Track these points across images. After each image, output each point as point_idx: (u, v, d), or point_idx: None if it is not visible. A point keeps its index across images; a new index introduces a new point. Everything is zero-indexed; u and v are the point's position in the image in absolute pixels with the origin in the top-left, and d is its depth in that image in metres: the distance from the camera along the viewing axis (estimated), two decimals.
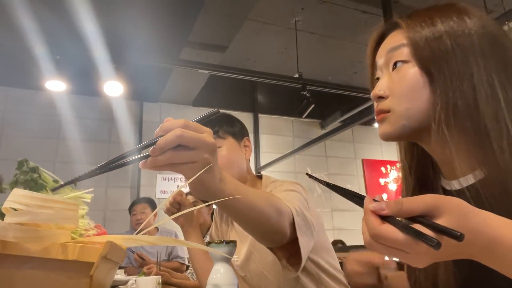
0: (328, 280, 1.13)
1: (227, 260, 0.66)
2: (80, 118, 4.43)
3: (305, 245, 0.81)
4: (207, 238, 2.02)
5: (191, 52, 3.78)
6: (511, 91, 0.59)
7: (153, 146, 0.54)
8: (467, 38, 0.61)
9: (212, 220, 1.56)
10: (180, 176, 4.71)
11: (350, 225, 5.25)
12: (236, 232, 1.28)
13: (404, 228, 0.42)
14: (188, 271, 2.50)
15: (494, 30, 0.63)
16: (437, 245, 0.39)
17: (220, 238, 1.38)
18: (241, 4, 3.26)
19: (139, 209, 3.33)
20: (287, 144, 5.40)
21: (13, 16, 2.99)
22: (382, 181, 5.99)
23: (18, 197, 0.51)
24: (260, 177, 1.30)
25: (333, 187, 0.54)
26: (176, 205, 1.25)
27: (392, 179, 6.03)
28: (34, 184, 0.61)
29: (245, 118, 5.04)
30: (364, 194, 0.47)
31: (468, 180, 0.61)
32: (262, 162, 5.09)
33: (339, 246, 3.90)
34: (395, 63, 0.66)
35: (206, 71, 3.99)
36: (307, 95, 4.10)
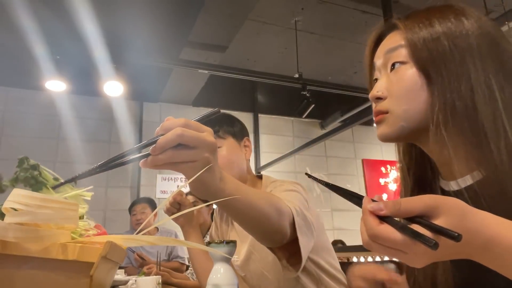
0: (328, 280, 1.13)
1: (227, 260, 0.66)
2: (80, 118, 4.43)
3: (305, 245, 0.82)
4: (207, 238, 2.02)
5: (191, 52, 3.78)
6: (508, 92, 0.59)
7: (153, 145, 0.54)
8: (465, 39, 0.61)
9: (212, 220, 1.57)
10: (180, 176, 4.71)
11: (350, 225, 5.25)
12: (236, 232, 1.28)
13: (402, 228, 0.42)
14: (188, 271, 2.50)
15: (492, 31, 0.63)
16: (434, 246, 0.39)
17: (220, 238, 1.38)
18: (241, 4, 3.25)
19: (139, 209, 3.32)
20: (287, 144, 5.40)
21: (13, 16, 2.99)
22: (382, 181, 5.98)
23: (18, 197, 0.51)
24: (260, 177, 1.30)
25: (332, 187, 0.54)
26: (176, 205, 1.25)
27: (392, 179, 6.02)
28: (34, 181, 0.61)
29: (245, 118, 5.03)
30: (364, 194, 0.48)
31: (466, 181, 0.62)
32: (262, 162, 5.09)
33: (339, 246, 3.90)
34: (393, 64, 0.66)
35: (206, 71, 3.99)
36: (307, 95, 4.10)
